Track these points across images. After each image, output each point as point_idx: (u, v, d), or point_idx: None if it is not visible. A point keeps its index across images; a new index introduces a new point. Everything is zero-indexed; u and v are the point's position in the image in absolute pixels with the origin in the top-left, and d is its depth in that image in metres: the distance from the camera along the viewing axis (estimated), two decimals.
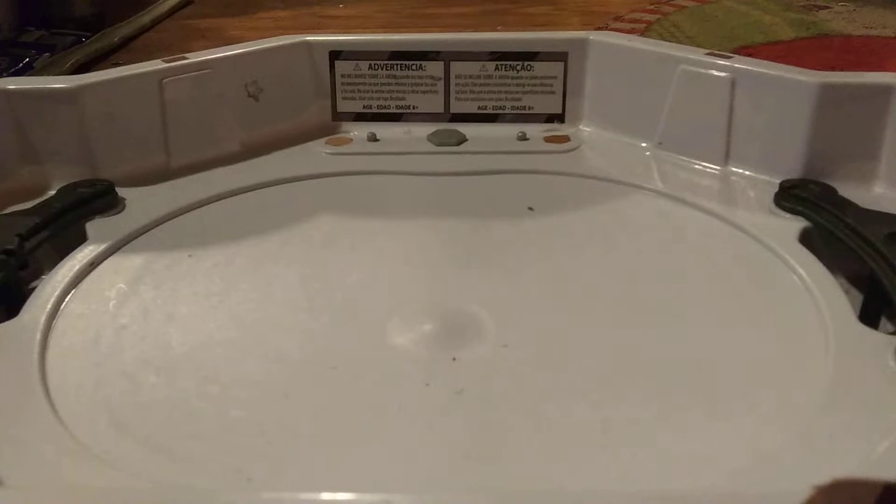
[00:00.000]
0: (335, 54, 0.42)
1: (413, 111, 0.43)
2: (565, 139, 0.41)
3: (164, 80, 0.38)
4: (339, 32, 0.43)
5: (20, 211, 0.34)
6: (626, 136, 0.41)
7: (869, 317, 0.29)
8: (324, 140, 0.42)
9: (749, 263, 0.31)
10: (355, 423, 0.25)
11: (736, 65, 0.37)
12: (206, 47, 0.41)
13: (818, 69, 0.36)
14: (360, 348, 0.28)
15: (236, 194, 0.37)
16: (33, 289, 0.30)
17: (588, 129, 0.42)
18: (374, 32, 0.44)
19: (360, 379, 0.26)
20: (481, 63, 0.42)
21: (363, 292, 0.31)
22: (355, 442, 0.24)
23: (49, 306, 0.29)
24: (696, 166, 0.38)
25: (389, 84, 0.43)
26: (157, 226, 0.35)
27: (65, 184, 0.36)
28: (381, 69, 0.42)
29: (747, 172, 0.37)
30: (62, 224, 0.33)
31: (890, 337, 0.26)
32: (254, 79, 0.41)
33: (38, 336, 0.27)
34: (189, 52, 0.40)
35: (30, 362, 0.26)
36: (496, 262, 0.32)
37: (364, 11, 0.73)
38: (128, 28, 0.66)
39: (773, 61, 0.37)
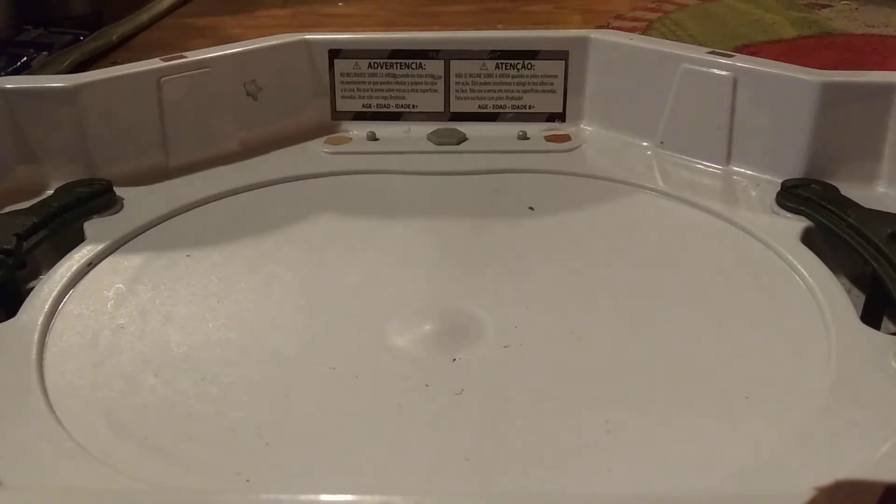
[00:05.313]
0: (334, 53, 0.42)
1: (413, 110, 0.43)
2: (566, 138, 0.41)
3: (163, 79, 0.38)
4: (339, 31, 0.43)
5: (18, 210, 0.34)
6: (627, 136, 0.41)
7: (871, 317, 0.29)
8: (323, 139, 0.42)
9: (750, 263, 0.31)
10: (355, 425, 0.24)
11: (738, 63, 0.37)
12: (205, 46, 0.41)
13: (820, 68, 0.36)
14: (359, 349, 0.27)
15: (235, 194, 0.37)
16: (31, 289, 0.30)
17: (589, 129, 0.42)
18: (373, 31, 0.44)
19: (359, 380, 0.26)
20: (482, 62, 0.42)
21: (363, 292, 0.30)
22: (355, 443, 0.24)
23: (47, 306, 0.29)
24: (698, 166, 0.38)
25: (389, 83, 0.42)
26: (156, 225, 0.34)
27: (63, 183, 0.36)
28: (381, 68, 0.42)
29: (749, 172, 0.37)
30: (60, 224, 0.33)
31: (892, 337, 0.26)
32: (252, 77, 0.41)
33: (36, 336, 0.27)
34: (187, 50, 0.40)
35: (28, 363, 0.26)
36: (496, 262, 0.32)
37: (363, 10, 0.72)
38: (126, 26, 0.66)
39: (775, 60, 0.37)
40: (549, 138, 0.41)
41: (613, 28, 0.61)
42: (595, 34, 0.42)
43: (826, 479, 0.18)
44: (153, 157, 0.39)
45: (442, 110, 0.43)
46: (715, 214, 0.34)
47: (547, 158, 0.40)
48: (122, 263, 0.32)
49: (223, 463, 0.23)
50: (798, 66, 0.36)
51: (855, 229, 0.31)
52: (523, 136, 0.41)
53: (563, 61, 0.42)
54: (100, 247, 0.32)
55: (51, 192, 0.36)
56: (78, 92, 0.37)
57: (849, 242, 0.31)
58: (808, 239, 0.32)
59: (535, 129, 0.42)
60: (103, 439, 0.23)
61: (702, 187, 0.36)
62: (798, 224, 0.33)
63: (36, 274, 0.32)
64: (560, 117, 0.43)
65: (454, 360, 0.27)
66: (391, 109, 0.43)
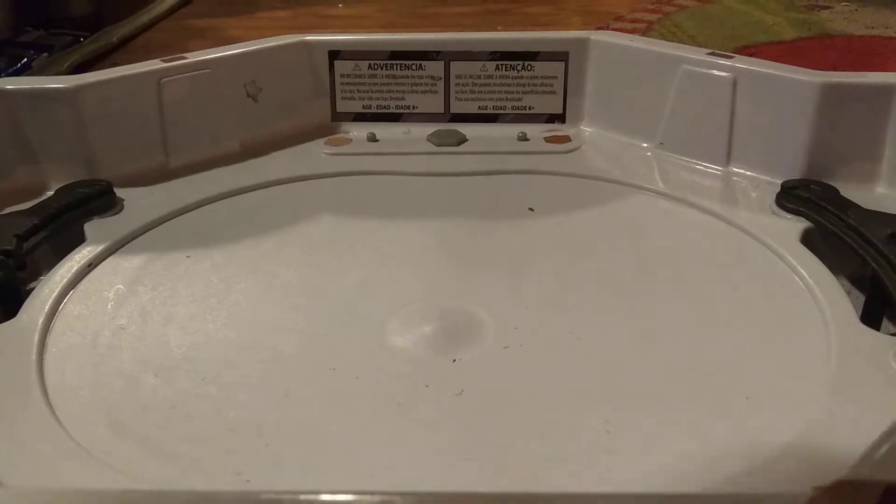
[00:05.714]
0: (334, 54, 0.42)
1: (413, 111, 0.43)
2: (566, 139, 0.41)
3: (163, 80, 0.38)
4: (339, 32, 0.43)
5: (18, 211, 0.34)
6: (627, 137, 0.41)
7: (871, 318, 0.29)
8: (323, 140, 0.42)
9: (750, 264, 0.31)
10: (355, 425, 0.24)
11: (737, 65, 0.37)
12: (205, 47, 0.41)
13: (820, 69, 0.36)
14: (359, 349, 0.27)
15: (235, 195, 0.37)
16: (31, 290, 0.30)
17: (589, 130, 0.42)
18: (373, 32, 0.44)
19: (359, 380, 0.26)
20: (482, 63, 0.42)
21: (363, 293, 0.30)
22: (355, 443, 0.24)
23: (47, 307, 0.29)
24: (698, 166, 0.38)
25: (389, 84, 0.42)
26: (156, 226, 0.34)
27: (63, 184, 0.36)
28: (381, 69, 0.42)
29: (749, 173, 0.37)
30: (60, 224, 0.33)
31: (892, 338, 0.26)
32: (252, 78, 0.41)
33: (37, 337, 0.27)
34: (188, 51, 0.40)
35: (28, 363, 0.26)
36: (496, 262, 0.32)
37: (364, 11, 0.72)
38: (126, 28, 0.66)
39: (775, 61, 0.37)
40: (549, 139, 0.41)
41: (613, 29, 0.61)
42: (595, 35, 0.42)
43: (826, 479, 0.18)
44: (153, 157, 0.39)
45: (442, 111, 0.43)
46: (715, 215, 0.34)
47: (547, 159, 0.40)
48: (123, 264, 0.32)
49: (223, 463, 0.23)
50: (798, 67, 0.36)
51: (854, 230, 0.31)
52: (523, 138, 0.41)
53: (563, 62, 0.42)
54: (100, 248, 0.32)
55: (51, 192, 0.36)
56: (78, 93, 0.37)
57: (848, 243, 0.31)
58: (807, 240, 0.32)
59: (535, 131, 0.42)
60: (103, 439, 0.23)
61: (702, 188, 0.36)
62: (798, 225, 0.33)
63: (36, 275, 0.32)
64: (560, 118, 0.43)
65: (454, 360, 0.27)
66: (391, 110, 0.43)
